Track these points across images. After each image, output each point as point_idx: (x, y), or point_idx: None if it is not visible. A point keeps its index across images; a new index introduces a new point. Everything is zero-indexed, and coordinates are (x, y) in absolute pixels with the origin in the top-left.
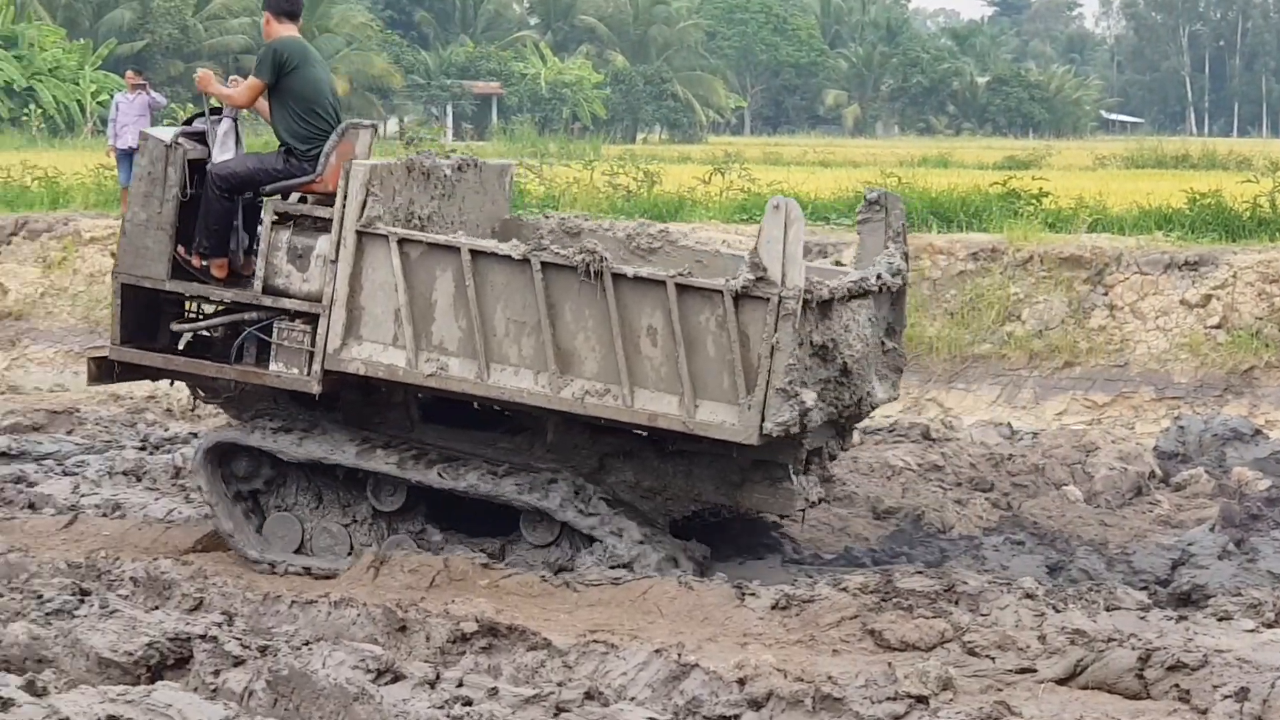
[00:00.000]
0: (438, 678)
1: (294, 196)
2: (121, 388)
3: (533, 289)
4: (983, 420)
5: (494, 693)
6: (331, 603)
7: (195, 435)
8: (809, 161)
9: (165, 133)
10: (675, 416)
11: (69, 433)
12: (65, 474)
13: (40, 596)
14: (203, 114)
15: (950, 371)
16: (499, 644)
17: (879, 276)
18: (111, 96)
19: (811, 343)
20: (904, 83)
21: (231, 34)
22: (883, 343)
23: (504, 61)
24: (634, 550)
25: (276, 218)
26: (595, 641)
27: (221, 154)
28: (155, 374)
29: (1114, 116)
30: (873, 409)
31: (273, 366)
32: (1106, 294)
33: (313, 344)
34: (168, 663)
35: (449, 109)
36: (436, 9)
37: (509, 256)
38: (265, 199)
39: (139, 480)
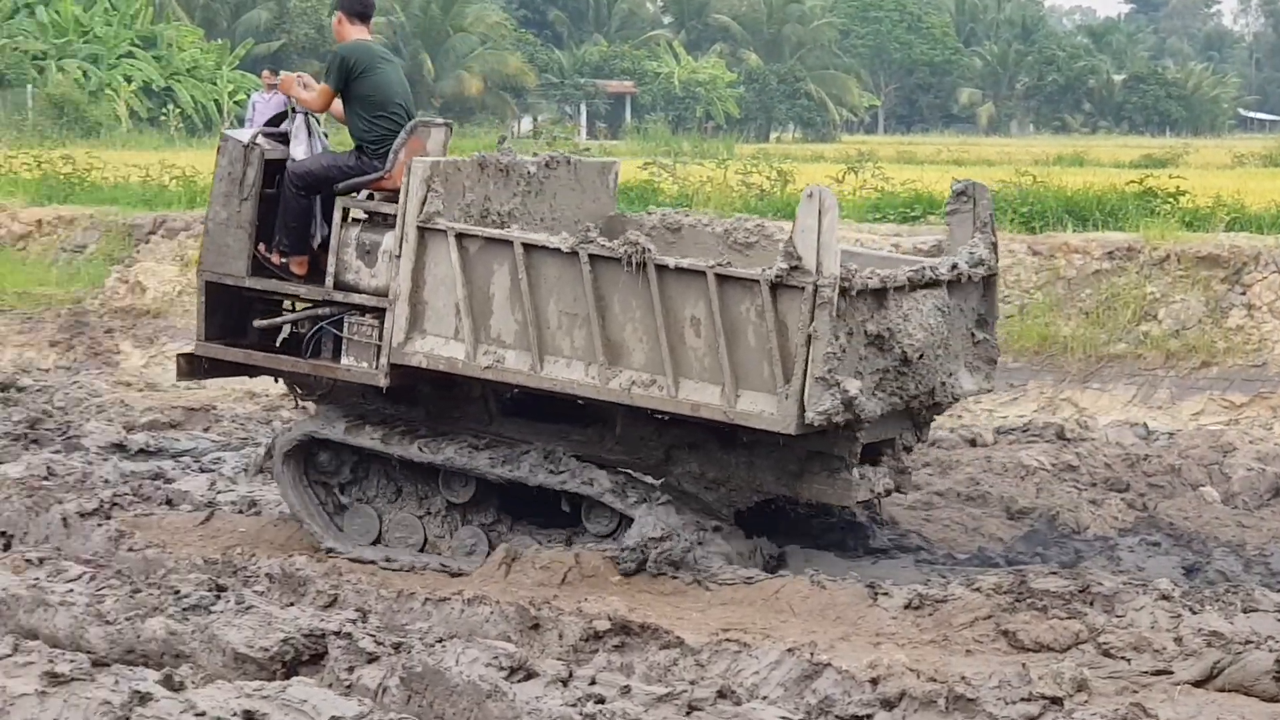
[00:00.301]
0: (570, 675)
1: (364, 193)
2: (257, 385)
3: (582, 281)
4: (1118, 420)
5: (626, 691)
6: (465, 600)
7: None
8: (943, 160)
9: (244, 134)
10: (717, 406)
11: (206, 430)
12: (202, 471)
13: (178, 592)
14: (285, 115)
15: (1085, 371)
16: (631, 642)
17: (954, 267)
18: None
19: (866, 332)
20: (1039, 81)
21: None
22: (972, 334)
23: (637, 60)
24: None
25: (346, 214)
26: (728, 640)
27: (300, 153)
28: (238, 370)
29: (1252, 114)
30: (955, 400)
31: (344, 360)
32: (1244, 293)
33: (380, 338)
34: (302, 658)
35: (583, 108)
36: (570, 8)
37: (559, 250)
38: (337, 196)
39: (274, 477)
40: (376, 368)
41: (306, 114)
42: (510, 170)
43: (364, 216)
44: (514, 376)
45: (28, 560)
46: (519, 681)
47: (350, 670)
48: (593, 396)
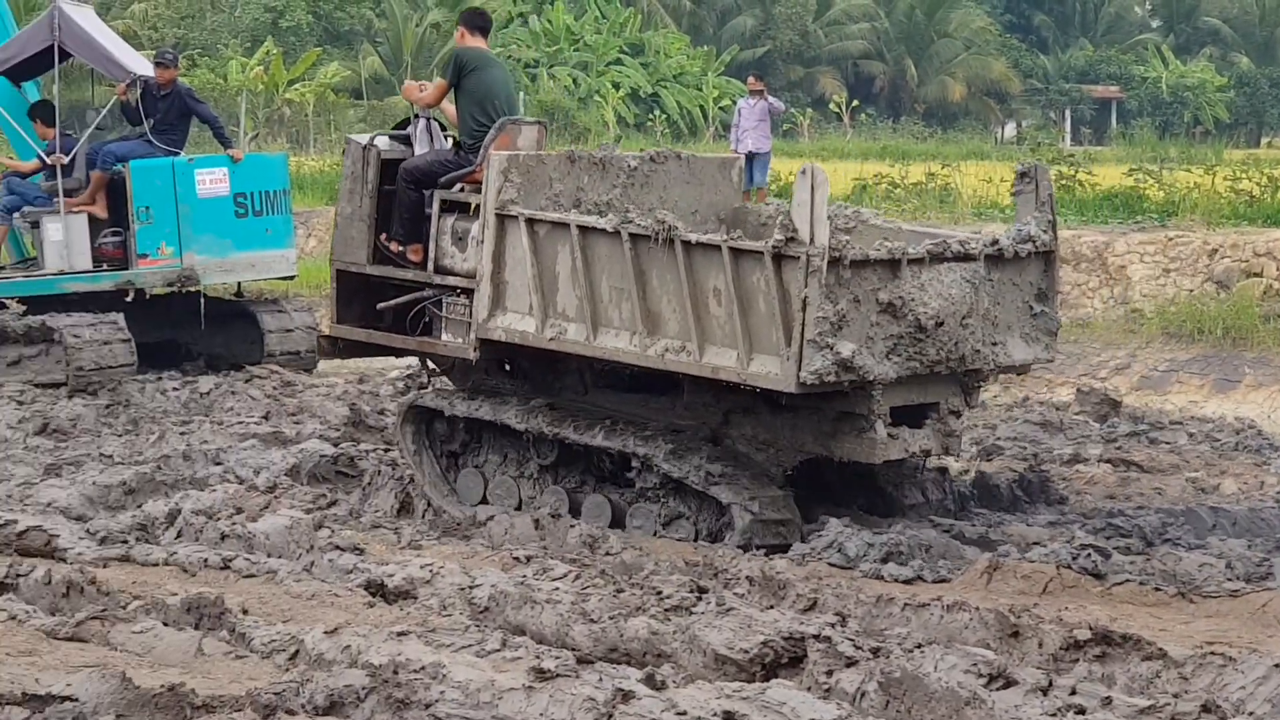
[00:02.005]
0: (1050, 685)
1: (458, 186)
2: None
3: (624, 258)
4: None
5: (1108, 702)
6: (944, 606)
7: None
8: None
9: (363, 137)
10: (733, 369)
11: None
12: None
13: (659, 593)
14: (408, 120)
15: None
16: (1113, 653)
17: (994, 243)
18: (733, 102)
19: (877, 300)
20: None
21: (851, 39)
22: (1030, 306)
23: (1124, 65)
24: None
25: (443, 205)
26: (1212, 654)
27: (420, 151)
28: (367, 349)
29: None
30: (1002, 369)
31: (443, 337)
32: None
33: (470, 315)
34: (781, 661)
35: (1067, 113)
36: (1056, 12)
37: (605, 230)
38: (436, 188)
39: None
40: (467, 342)
41: (429, 119)
42: (607, 165)
43: (460, 205)
44: (572, 346)
45: (515, 558)
46: (998, 689)
47: (829, 674)
48: (635, 363)
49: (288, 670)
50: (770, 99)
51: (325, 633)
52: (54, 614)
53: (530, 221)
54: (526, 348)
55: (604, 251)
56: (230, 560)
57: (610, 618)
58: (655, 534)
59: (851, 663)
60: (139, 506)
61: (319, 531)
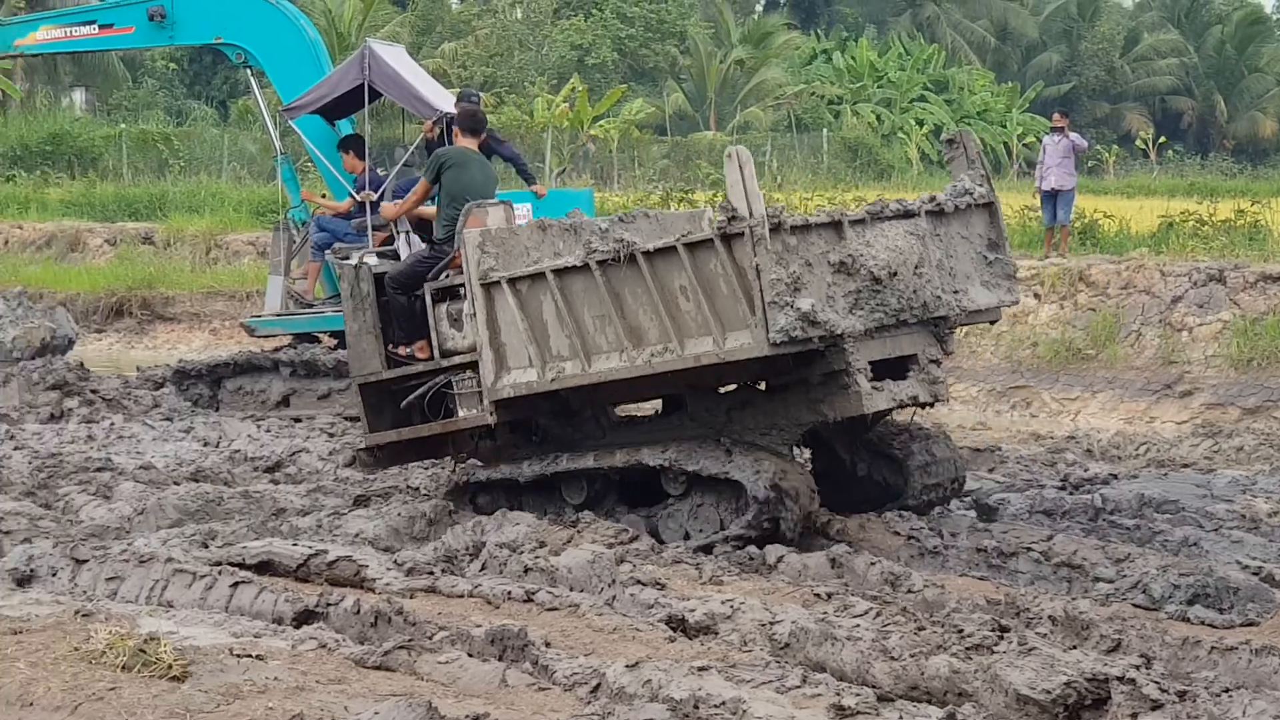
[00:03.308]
0: None
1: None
2: (1042, 427)
3: (598, 286)
4: None
5: None
6: (1253, 650)
7: (1114, 476)
8: None
9: (353, 260)
10: (711, 352)
11: (990, 471)
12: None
13: (961, 631)
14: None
15: None
16: None
17: (932, 199)
18: (1038, 139)
19: (829, 261)
20: None
21: (1159, 75)
22: (984, 256)
23: None
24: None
25: (434, 295)
26: None
27: (405, 259)
28: (403, 451)
29: None
30: (969, 314)
31: (461, 413)
32: None
33: (479, 385)
34: (1085, 703)
35: None
36: None
37: (575, 266)
38: (425, 283)
39: (1055, 517)
40: (482, 410)
41: (408, 232)
42: (578, 229)
43: (450, 292)
44: (572, 380)
45: (816, 595)
46: None
47: (1133, 717)
48: (627, 375)
49: (589, 703)
50: (1073, 135)
51: (626, 666)
52: (362, 643)
53: (511, 281)
54: (537, 399)
55: (580, 287)
56: (533, 593)
57: (911, 655)
58: (686, 536)
59: (1157, 706)
60: (439, 538)
61: (621, 566)
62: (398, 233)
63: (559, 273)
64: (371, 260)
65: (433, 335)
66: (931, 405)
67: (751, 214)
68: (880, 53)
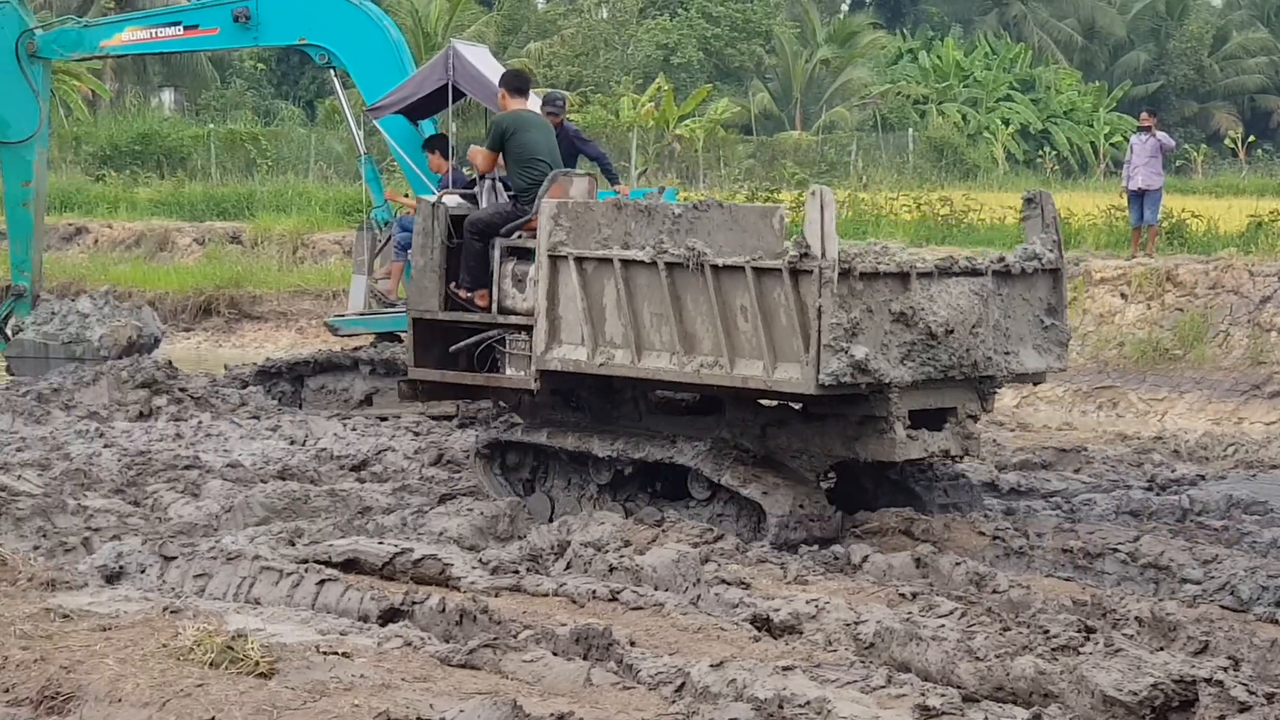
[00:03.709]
0: None
1: (517, 234)
2: (1129, 427)
3: (662, 286)
4: None
5: None
6: None
7: (1202, 477)
8: None
9: (433, 197)
10: (760, 378)
11: (1076, 471)
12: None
13: (1047, 631)
14: (477, 179)
15: None
16: None
17: (1000, 259)
18: (1125, 139)
19: (890, 310)
20: None
21: (1248, 74)
22: (1041, 320)
23: None
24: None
25: (505, 251)
26: None
27: (485, 206)
28: (443, 390)
29: None
30: (1016, 376)
31: (508, 371)
32: None
33: (530, 350)
34: (1172, 705)
35: None
36: None
37: (644, 261)
38: (498, 237)
39: (1140, 519)
40: (528, 375)
41: (494, 179)
42: (652, 212)
43: (520, 251)
44: (620, 370)
45: (901, 594)
46: None
47: (1221, 719)
48: (674, 380)
49: (674, 702)
50: (1160, 135)
51: (711, 666)
52: (447, 641)
53: (579, 260)
54: (583, 377)
55: (644, 281)
56: (618, 592)
57: (996, 656)
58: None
59: (1245, 708)
60: (522, 537)
61: (705, 565)
62: (483, 180)
63: (626, 263)
64: (451, 201)
65: (495, 289)
66: (960, 459)
67: (824, 255)
68: (966, 52)
